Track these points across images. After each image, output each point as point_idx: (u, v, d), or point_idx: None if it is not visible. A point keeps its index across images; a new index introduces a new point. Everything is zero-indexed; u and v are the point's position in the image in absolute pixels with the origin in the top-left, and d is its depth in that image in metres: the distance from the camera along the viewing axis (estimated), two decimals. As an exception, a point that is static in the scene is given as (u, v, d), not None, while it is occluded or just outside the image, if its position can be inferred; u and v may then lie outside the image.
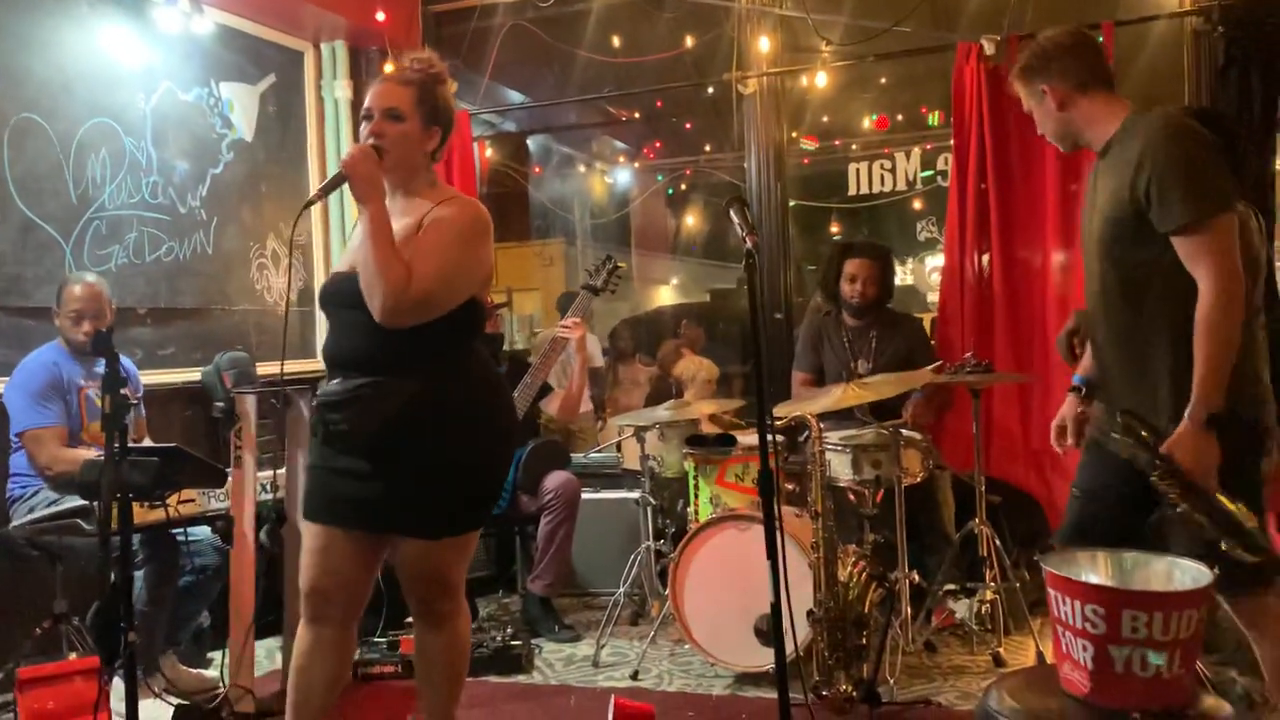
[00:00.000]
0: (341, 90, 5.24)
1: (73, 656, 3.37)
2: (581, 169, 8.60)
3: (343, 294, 2.42)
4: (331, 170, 5.11)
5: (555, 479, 4.21)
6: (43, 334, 3.72)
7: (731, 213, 2.12)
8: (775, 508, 2.13)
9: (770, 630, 3.30)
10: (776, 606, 2.08)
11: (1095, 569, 1.85)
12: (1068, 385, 4.11)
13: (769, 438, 3.89)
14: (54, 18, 3.96)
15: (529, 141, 7.67)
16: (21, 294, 3.79)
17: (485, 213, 2.50)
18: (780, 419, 3.58)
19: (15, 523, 3.41)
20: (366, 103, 2.46)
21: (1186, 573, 1.79)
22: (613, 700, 3.23)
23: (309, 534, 2.48)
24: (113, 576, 2.37)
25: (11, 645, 3.51)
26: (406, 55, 2.53)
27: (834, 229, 6.38)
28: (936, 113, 5.63)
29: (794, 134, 5.65)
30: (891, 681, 3.37)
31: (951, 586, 3.99)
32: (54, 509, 3.31)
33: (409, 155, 2.44)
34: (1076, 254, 4.21)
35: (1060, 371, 4.10)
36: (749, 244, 2.04)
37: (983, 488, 3.79)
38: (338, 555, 2.44)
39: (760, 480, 2.09)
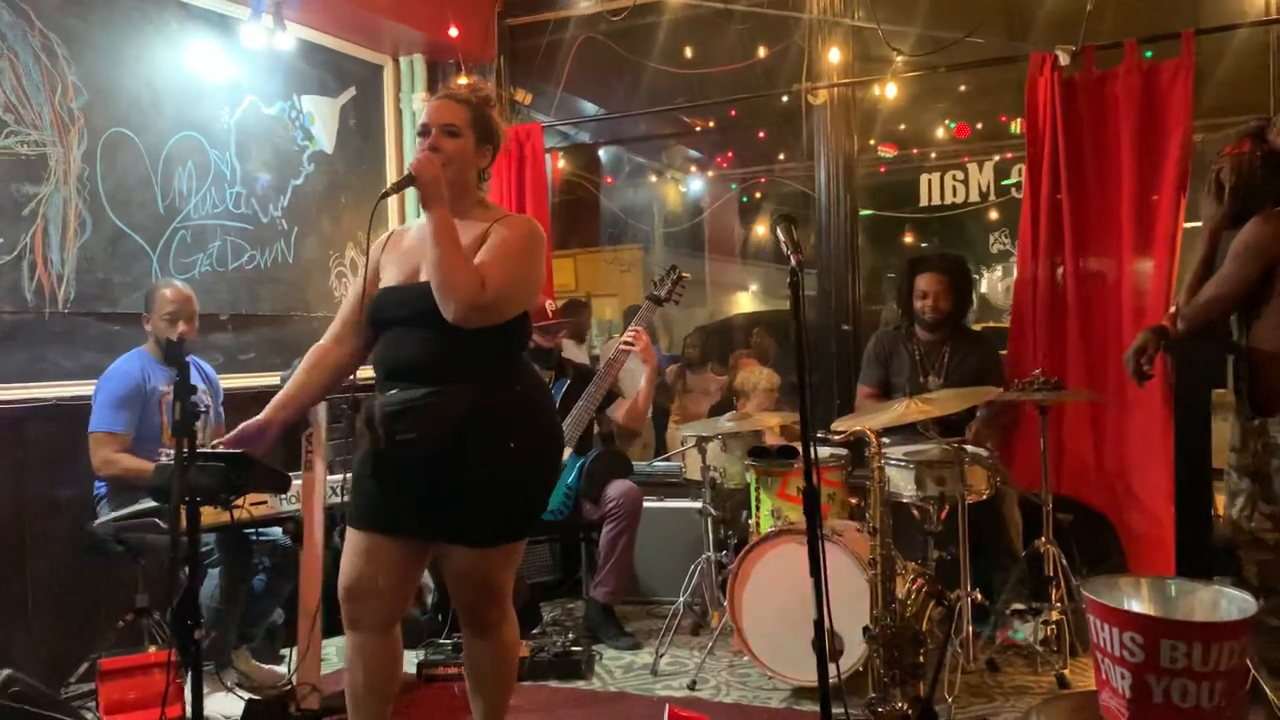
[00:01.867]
0: (419, 103, 5.36)
1: (152, 649, 3.52)
2: (653, 178, 8.65)
3: (399, 305, 2.48)
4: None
5: (617, 488, 4.25)
6: (129, 339, 3.89)
7: (778, 231, 2.14)
8: (819, 524, 2.13)
9: (832, 648, 3.32)
10: (820, 623, 2.09)
11: (1138, 595, 1.81)
12: (1140, 403, 4.08)
13: (831, 452, 3.92)
14: (144, 35, 4.14)
15: (600, 152, 7.75)
16: (110, 300, 3.97)
17: (541, 229, 2.58)
18: (841, 433, 3.57)
19: (100, 519, 3.57)
20: (423, 119, 2.54)
21: (1233, 603, 1.75)
22: (667, 709, 3.26)
23: (352, 539, 2.52)
24: (183, 575, 2.47)
25: (97, 636, 3.68)
26: (459, 78, 2.62)
27: (906, 239, 6.30)
28: (1013, 122, 5.53)
29: (871, 141, 5.61)
30: (950, 700, 3.33)
31: (1018, 606, 3.92)
32: (135, 507, 3.46)
33: (463, 171, 2.52)
34: (1152, 268, 4.12)
35: (1134, 389, 3.99)
36: (794, 262, 2.05)
37: (1049, 506, 3.72)
38: (379, 561, 2.48)
39: (805, 497, 2.10)
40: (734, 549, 4.19)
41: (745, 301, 12.78)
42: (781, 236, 2.13)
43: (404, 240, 2.64)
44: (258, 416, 2.56)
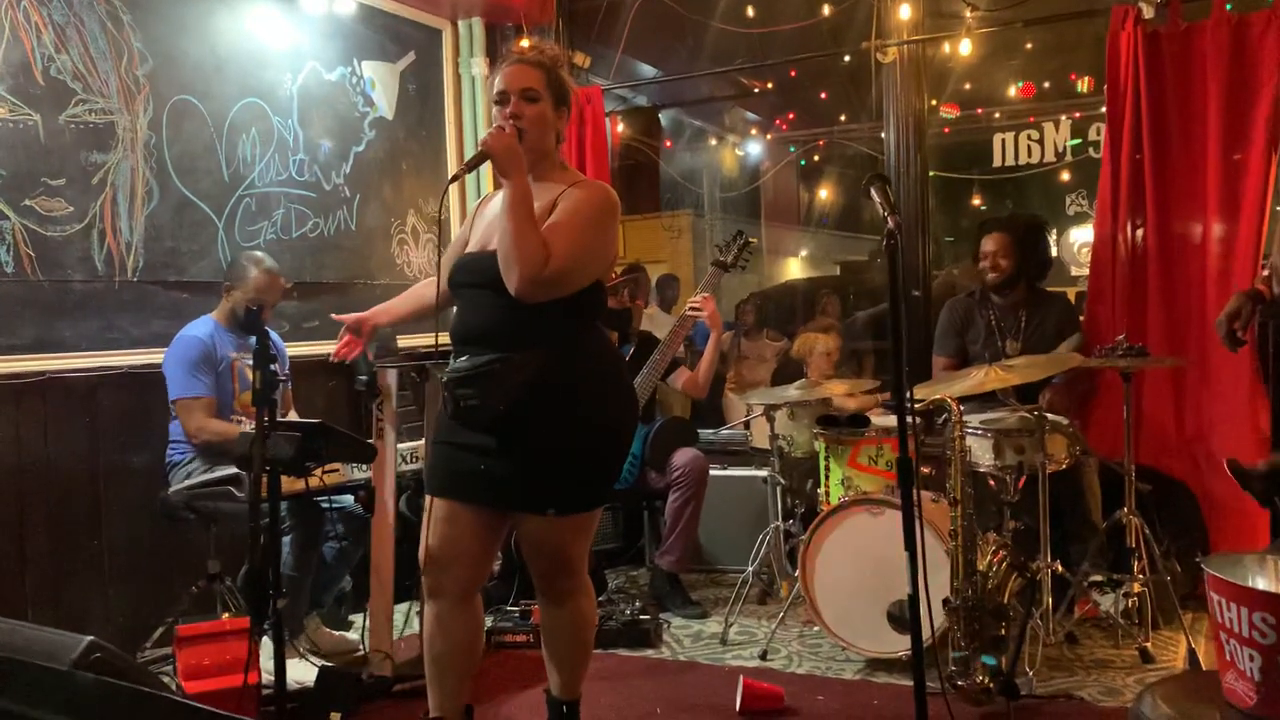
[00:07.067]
0: (478, 67, 5.28)
1: (225, 615, 3.55)
2: (713, 141, 8.52)
3: (472, 272, 2.48)
4: (469, 146, 5.22)
5: (683, 456, 4.20)
6: (197, 307, 3.89)
7: (872, 191, 2.06)
8: (915, 497, 2.06)
9: (909, 620, 3.25)
10: (915, 598, 2.02)
11: (1264, 573, 1.73)
12: (1226, 369, 3.95)
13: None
14: (207, 2, 4.11)
15: (660, 115, 7.63)
16: (177, 269, 3.97)
17: (615, 196, 2.54)
18: (919, 401, 3.49)
19: (174, 487, 3.59)
20: (500, 85, 2.50)
21: (1370, 582, 1.66)
22: (741, 680, 3.23)
23: (432, 507, 2.52)
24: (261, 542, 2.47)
25: (170, 602, 3.71)
26: (522, 41, 2.58)
27: (976, 201, 6.14)
28: (1086, 80, 5.34)
29: (934, 102, 5.45)
30: (1030, 673, 3.25)
31: (1097, 578, 3.83)
32: (208, 475, 3.47)
33: (543, 137, 2.48)
34: (1239, 229, 3.97)
35: (1218, 355, 3.88)
36: (890, 224, 1.97)
37: (1132, 476, 3.62)
38: (459, 527, 2.48)
39: (899, 468, 2.03)
40: (801, 518, 4.13)
41: (796, 267, 12.64)
42: (877, 197, 2.05)
43: (489, 206, 2.62)
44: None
